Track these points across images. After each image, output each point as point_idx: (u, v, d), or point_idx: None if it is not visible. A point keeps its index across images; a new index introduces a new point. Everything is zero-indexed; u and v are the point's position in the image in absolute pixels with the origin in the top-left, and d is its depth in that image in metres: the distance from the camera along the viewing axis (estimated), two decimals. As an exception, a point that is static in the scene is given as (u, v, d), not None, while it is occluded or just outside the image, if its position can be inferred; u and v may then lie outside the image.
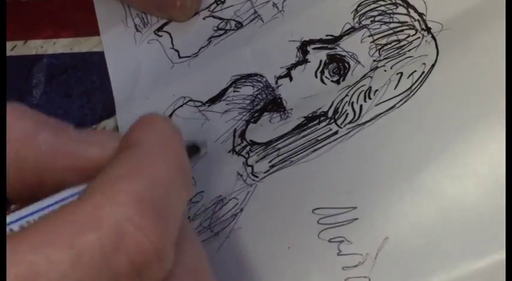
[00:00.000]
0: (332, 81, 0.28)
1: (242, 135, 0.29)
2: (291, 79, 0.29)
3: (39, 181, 0.19)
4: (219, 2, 0.33)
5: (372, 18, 0.29)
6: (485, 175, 0.24)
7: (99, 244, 0.15)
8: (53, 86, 0.34)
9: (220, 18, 0.32)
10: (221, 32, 0.32)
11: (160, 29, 0.33)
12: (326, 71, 0.29)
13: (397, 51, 0.27)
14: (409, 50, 0.27)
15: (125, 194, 0.16)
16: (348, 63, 0.28)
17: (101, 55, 0.35)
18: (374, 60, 0.28)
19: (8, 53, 0.35)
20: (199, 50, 0.32)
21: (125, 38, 0.34)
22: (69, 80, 0.34)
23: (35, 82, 0.35)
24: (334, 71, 0.28)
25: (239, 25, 0.32)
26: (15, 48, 0.36)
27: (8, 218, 0.17)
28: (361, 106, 0.27)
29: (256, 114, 0.29)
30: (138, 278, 0.16)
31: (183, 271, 0.18)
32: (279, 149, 0.28)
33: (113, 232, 0.15)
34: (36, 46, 0.35)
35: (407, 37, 0.28)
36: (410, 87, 0.26)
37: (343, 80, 0.28)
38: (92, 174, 0.18)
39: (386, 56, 0.28)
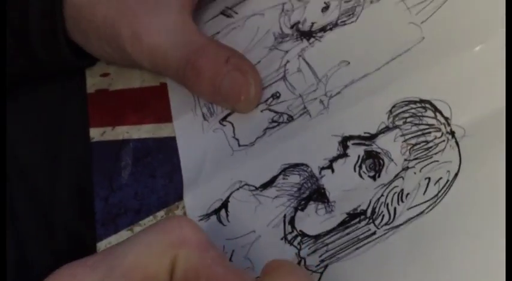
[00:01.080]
0: (369, 176, 0.32)
1: (292, 222, 0.33)
2: (332, 171, 0.33)
3: None
4: (274, 97, 0.37)
5: (404, 120, 0.32)
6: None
7: None
8: (139, 168, 0.40)
9: (275, 112, 0.37)
10: (275, 124, 0.37)
11: (224, 118, 0.38)
12: (363, 166, 0.32)
13: (425, 152, 0.31)
14: (436, 154, 0.31)
15: None
16: (383, 160, 0.32)
17: (178, 140, 0.39)
18: (405, 160, 0.31)
19: (99, 138, 0.41)
20: (256, 139, 0.37)
21: (193, 126, 0.39)
22: (153, 162, 0.40)
23: (124, 164, 0.40)
24: (371, 166, 0.32)
25: (290, 118, 0.36)
26: (105, 134, 0.42)
27: None
28: (395, 209, 0.31)
29: (303, 202, 0.34)
30: None
31: None
32: (327, 244, 0.32)
33: None
34: (122, 132, 0.41)
35: (434, 139, 0.31)
36: (437, 194, 0.30)
37: (379, 176, 0.32)
38: None
39: (415, 157, 0.31)
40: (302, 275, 0.25)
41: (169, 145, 0.40)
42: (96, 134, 0.42)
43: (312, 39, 0.38)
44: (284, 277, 0.25)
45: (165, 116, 0.41)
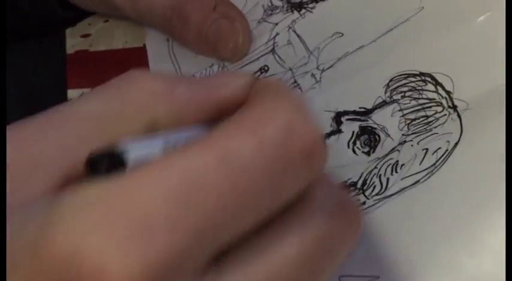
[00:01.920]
0: (363, 152, 0.30)
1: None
2: (325, 148, 0.31)
3: (190, 121, 0.22)
4: (263, 71, 0.35)
5: (403, 94, 0.30)
6: (500, 251, 0.25)
7: (277, 133, 0.18)
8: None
9: (262, 85, 0.35)
10: (263, 98, 0.34)
11: (208, 92, 0.36)
12: (358, 142, 0.30)
13: (424, 127, 0.29)
14: (435, 127, 0.29)
15: (287, 103, 0.19)
16: (379, 135, 0.30)
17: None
18: (403, 135, 0.29)
19: None
20: (243, 115, 0.34)
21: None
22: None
23: None
24: (365, 142, 0.30)
25: (279, 93, 0.34)
26: (83, 95, 0.39)
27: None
28: (387, 179, 0.28)
29: (292, 180, 0.31)
30: (307, 165, 0.19)
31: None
32: None
33: (287, 125, 0.19)
34: None
35: (434, 113, 0.29)
36: (434, 163, 0.28)
37: (373, 152, 0.30)
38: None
39: (414, 131, 0.29)
40: (295, 96, 0.21)
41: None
42: (74, 95, 0.40)
43: (303, 11, 0.36)
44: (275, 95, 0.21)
45: (147, 77, 0.39)
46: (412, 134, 0.29)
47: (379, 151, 0.30)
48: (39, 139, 0.20)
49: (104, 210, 0.17)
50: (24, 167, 0.20)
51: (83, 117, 0.21)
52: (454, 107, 0.29)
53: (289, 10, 0.36)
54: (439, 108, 0.29)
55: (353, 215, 0.21)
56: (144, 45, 0.41)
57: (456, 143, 0.28)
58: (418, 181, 0.28)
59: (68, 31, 0.43)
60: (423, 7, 0.31)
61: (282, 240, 0.19)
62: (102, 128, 0.21)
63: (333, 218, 0.20)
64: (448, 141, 0.28)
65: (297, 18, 0.36)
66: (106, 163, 0.18)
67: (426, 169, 0.28)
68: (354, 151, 0.30)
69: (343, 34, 0.34)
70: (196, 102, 0.21)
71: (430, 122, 0.29)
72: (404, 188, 0.28)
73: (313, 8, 0.35)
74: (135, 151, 0.18)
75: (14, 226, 0.18)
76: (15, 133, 0.21)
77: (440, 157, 0.28)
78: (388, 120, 0.30)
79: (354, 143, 0.30)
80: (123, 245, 0.16)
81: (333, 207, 0.20)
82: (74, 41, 0.42)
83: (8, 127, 0.21)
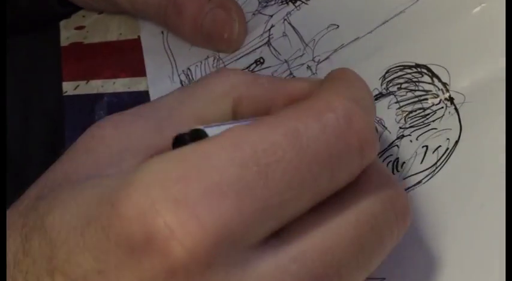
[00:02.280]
0: (360, 145, 0.30)
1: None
2: (322, 141, 0.31)
3: (265, 112, 0.24)
4: (258, 63, 0.35)
5: (399, 85, 0.30)
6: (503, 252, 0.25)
7: (338, 121, 0.20)
8: (114, 122, 0.38)
9: (258, 78, 0.35)
10: (259, 91, 0.34)
11: (204, 86, 0.36)
12: (355, 135, 0.30)
13: (422, 120, 0.29)
14: (433, 121, 0.29)
15: (345, 96, 0.21)
16: (376, 128, 0.30)
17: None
18: (400, 128, 0.29)
19: (72, 92, 0.40)
20: (239, 107, 0.34)
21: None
22: (128, 116, 0.38)
23: (97, 119, 0.38)
24: (363, 135, 0.30)
25: (276, 85, 0.34)
26: (78, 87, 0.40)
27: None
28: None
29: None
30: (360, 154, 0.21)
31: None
32: None
33: (345, 115, 0.20)
34: (97, 86, 0.39)
35: (431, 106, 0.29)
36: (436, 163, 0.28)
37: (371, 145, 0.30)
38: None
39: (411, 124, 0.29)
40: (363, 85, 0.24)
41: (146, 98, 0.38)
42: (69, 87, 0.40)
43: (298, 2, 0.36)
44: (344, 83, 0.23)
45: (142, 70, 0.39)
46: (410, 127, 0.29)
47: (377, 145, 0.30)
48: (133, 121, 0.24)
49: (180, 170, 0.18)
50: (118, 143, 0.23)
51: (167, 104, 0.24)
52: (451, 99, 0.29)
53: (284, 2, 0.36)
54: (436, 100, 0.29)
55: (401, 208, 0.22)
56: (139, 37, 0.41)
57: (456, 142, 0.28)
58: (420, 182, 0.28)
59: (62, 23, 0.43)
60: None
61: (339, 216, 0.21)
62: (184, 111, 0.24)
63: (383, 205, 0.22)
64: (448, 139, 0.28)
65: (292, 10, 0.36)
66: (189, 137, 0.21)
67: (428, 169, 0.28)
68: (351, 144, 0.30)
69: (338, 26, 0.33)
70: (273, 90, 0.25)
71: (427, 114, 0.29)
72: (407, 189, 0.28)
73: (308, -1, 0.35)
74: (215, 130, 0.21)
75: (92, 184, 0.20)
76: (113, 117, 0.24)
77: (441, 156, 0.28)
78: (385, 113, 0.30)
79: (351, 136, 0.30)
80: (194, 205, 0.18)
81: (385, 196, 0.22)
82: (68, 34, 0.42)
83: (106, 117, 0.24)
